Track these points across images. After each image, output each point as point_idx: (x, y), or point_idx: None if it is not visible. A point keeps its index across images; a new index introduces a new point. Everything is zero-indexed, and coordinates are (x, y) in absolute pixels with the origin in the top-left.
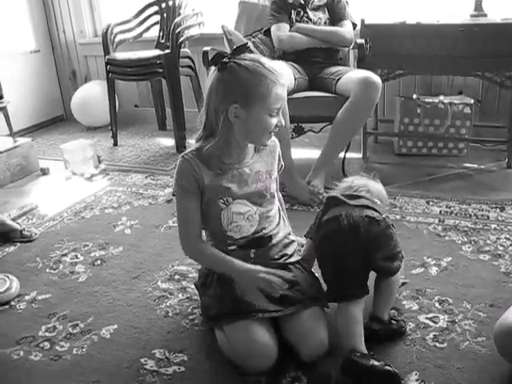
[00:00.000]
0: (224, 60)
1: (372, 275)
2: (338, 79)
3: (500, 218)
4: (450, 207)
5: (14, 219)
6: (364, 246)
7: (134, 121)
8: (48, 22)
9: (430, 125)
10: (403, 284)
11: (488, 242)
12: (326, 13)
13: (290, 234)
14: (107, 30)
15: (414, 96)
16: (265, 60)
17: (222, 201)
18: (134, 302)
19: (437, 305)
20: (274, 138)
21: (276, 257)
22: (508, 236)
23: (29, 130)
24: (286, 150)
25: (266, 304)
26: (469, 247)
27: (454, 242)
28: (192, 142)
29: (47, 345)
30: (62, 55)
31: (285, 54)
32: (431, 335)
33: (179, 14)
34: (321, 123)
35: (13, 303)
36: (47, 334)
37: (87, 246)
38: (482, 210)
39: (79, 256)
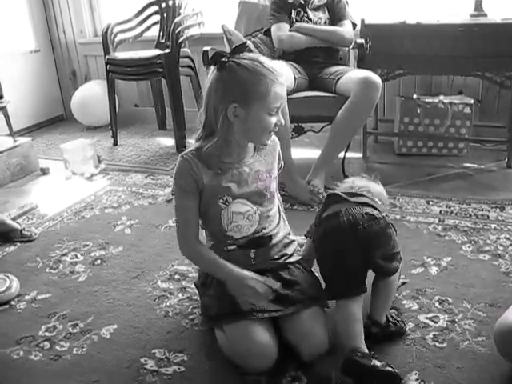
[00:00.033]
0: (223, 59)
1: (370, 276)
2: (338, 79)
3: (500, 218)
4: (449, 207)
5: (13, 219)
6: (363, 243)
7: (134, 120)
8: (48, 21)
9: (430, 125)
10: (403, 284)
11: (488, 241)
12: (326, 13)
13: (289, 233)
14: (107, 29)
15: (414, 96)
16: (264, 59)
17: (221, 200)
18: (133, 302)
19: (437, 304)
20: (274, 136)
21: (276, 257)
22: (508, 236)
23: (29, 129)
24: (285, 149)
25: (266, 304)
26: (469, 247)
27: (453, 241)
28: (192, 142)
29: (47, 344)
30: (62, 55)
31: (285, 54)
32: (431, 335)
33: (179, 14)
34: (321, 123)
35: (13, 303)
36: (47, 333)
37: (87, 245)
38: (482, 210)
39: (79, 256)
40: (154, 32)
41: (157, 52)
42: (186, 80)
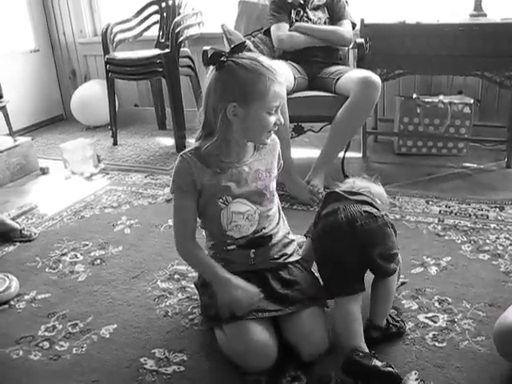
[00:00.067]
0: (222, 59)
1: (369, 278)
2: (338, 79)
3: (499, 218)
4: (449, 207)
5: (13, 218)
6: (361, 240)
7: (134, 120)
8: (48, 21)
9: (430, 124)
10: (402, 284)
11: (487, 241)
12: (326, 12)
13: (289, 233)
14: (107, 29)
15: (414, 95)
16: (263, 58)
17: (221, 200)
18: (133, 302)
19: (436, 304)
20: (274, 136)
21: (276, 256)
22: (507, 235)
23: (28, 129)
24: (285, 149)
25: (266, 304)
26: (468, 247)
27: (453, 241)
28: (192, 142)
29: (47, 344)
30: (62, 55)
31: (285, 54)
32: (431, 334)
33: (179, 14)
34: (320, 123)
35: (12, 303)
36: (47, 333)
37: (87, 245)
38: (482, 210)
39: (79, 255)
40: (154, 32)
41: (156, 52)
42: (186, 80)
